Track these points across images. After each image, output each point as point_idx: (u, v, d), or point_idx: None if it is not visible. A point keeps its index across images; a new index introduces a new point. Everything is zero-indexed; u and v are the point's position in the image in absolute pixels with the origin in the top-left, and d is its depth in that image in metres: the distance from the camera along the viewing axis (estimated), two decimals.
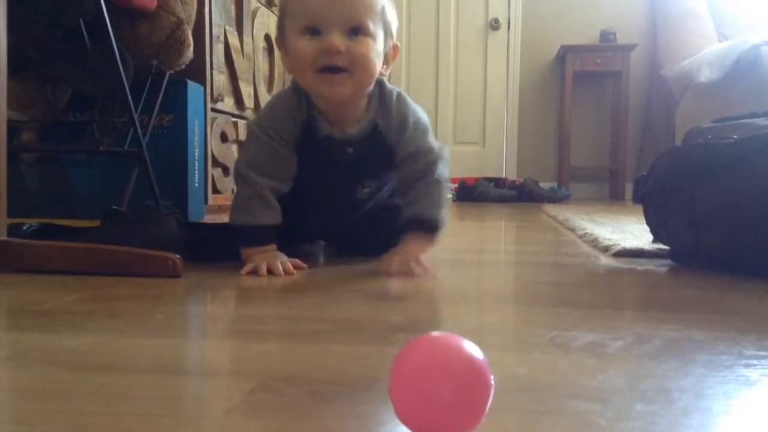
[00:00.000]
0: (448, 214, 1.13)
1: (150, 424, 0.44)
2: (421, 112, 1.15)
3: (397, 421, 0.40)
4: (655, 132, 4.27)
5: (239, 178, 1.12)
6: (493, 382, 0.40)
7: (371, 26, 1.02)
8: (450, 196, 3.55)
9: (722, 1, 3.90)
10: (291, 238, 1.18)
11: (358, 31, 1.01)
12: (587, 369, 0.57)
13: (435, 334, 0.42)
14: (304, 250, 1.28)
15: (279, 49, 1.14)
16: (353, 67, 1.01)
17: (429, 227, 1.11)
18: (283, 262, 1.06)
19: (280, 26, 1.10)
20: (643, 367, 0.58)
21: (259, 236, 1.09)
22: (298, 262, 1.09)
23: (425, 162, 1.11)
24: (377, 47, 1.04)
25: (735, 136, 1.15)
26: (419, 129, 1.12)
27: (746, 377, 0.55)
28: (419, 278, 1.02)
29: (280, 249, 1.11)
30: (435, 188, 1.12)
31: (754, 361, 0.59)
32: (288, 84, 1.18)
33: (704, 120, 1.40)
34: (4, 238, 1.07)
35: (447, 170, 1.14)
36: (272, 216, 1.10)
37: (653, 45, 4.23)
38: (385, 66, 1.09)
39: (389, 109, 1.11)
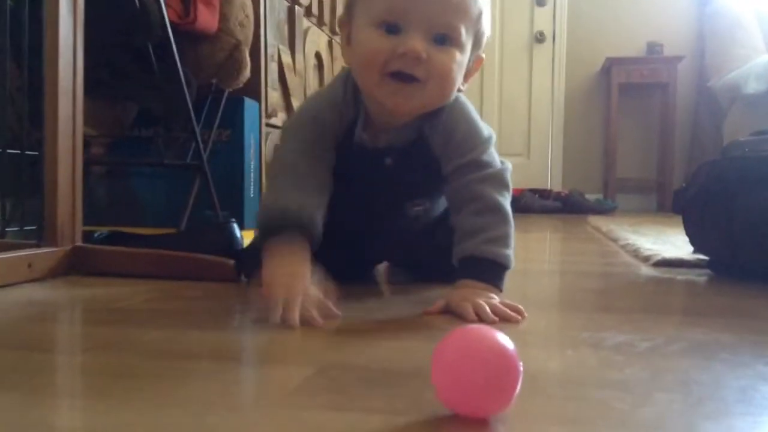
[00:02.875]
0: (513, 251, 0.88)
1: (223, 399, 0.51)
2: (480, 123, 0.93)
3: (438, 401, 0.46)
4: (703, 144, 4.22)
5: (272, 169, 0.93)
6: (521, 368, 0.46)
7: (463, 35, 0.82)
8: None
9: None
10: (338, 265, 0.94)
11: (445, 39, 0.81)
12: (615, 364, 0.62)
13: (471, 326, 0.48)
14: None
15: (340, 33, 0.92)
16: (429, 79, 0.81)
17: (489, 271, 0.85)
18: (305, 307, 0.76)
19: (349, 6, 0.88)
20: (667, 363, 0.63)
21: (285, 229, 0.83)
22: (330, 309, 0.78)
23: (478, 177, 0.89)
24: (463, 60, 0.84)
25: None
26: (471, 139, 0.90)
27: (764, 373, 0.59)
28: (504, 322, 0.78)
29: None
30: (492, 215, 0.87)
31: None
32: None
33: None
34: (80, 244, 1.17)
35: (509, 197, 0.90)
36: (310, 204, 0.86)
37: (701, 57, 4.20)
38: (463, 82, 0.89)
39: (439, 114, 0.90)
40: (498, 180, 0.89)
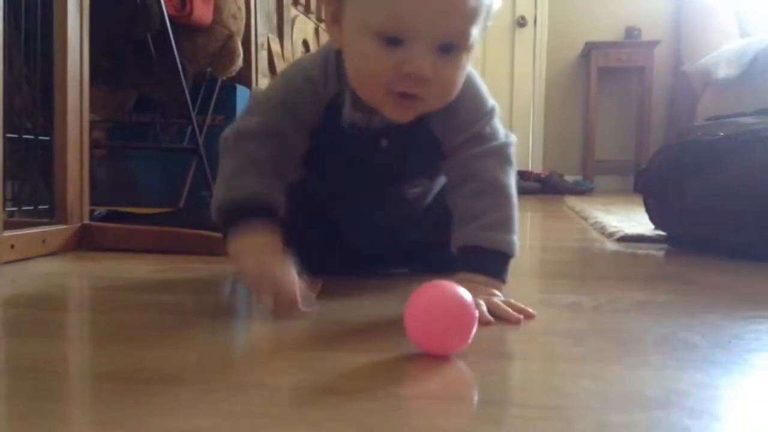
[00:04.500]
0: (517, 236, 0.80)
1: (231, 345, 0.62)
2: (483, 92, 0.84)
3: (410, 343, 0.58)
4: (679, 127, 4.35)
5: (225, 150, 0.81)
6: (476, 315, 0.57)
7: (472, 36, 0.71)
8: None
9: None
10: (330, 261, 0.89)
11: (452, 47, 0.71)
12: (562, 318, 0.74)
13: (435, 281, 0.59)
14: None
15: (324, 9, 0.79)
16: (432, 95, 0.73)
17: (490, 262, 0.78)
18: (287, 282, 0.71)
19: None
20: (606, 318, 0.74)
21: (249, 215, 0.75)
22: (310, 299, 0.72)
23: (478, 152, 0.81)
24: (468, 60, 0.74)
25: (721, 133, 1.29)
26: (474, 113, 0.82)
27: (685, 324, 0.71)
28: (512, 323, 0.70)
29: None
30: (493, 196, 0.80)
31: (699, 314, 0.75)
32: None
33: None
34: (88, 222, 1.26)
35: (512, 172, 0.83)
36: (271, 189, 0.78)
37: (677, 41, 4.32)
38: None
39: None
40: (500, 154, 0.82)
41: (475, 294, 0.68)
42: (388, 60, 0.69)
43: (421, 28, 0.68)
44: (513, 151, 0.83)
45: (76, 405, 0.49)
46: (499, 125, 0.84)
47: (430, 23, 0.68)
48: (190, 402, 0.47)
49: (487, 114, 0.83)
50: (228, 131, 0.82)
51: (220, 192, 0.79)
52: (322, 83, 0.81)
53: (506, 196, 0.80)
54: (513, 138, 0.84)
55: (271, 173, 0.79)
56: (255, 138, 0.80)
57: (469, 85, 0.81)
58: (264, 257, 0.72)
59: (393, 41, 0.69)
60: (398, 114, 0.75)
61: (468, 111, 0.81)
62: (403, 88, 0.71)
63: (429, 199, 0.94)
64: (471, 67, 0.81)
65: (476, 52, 0.75)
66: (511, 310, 0.72)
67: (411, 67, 0.69)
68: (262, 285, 0.71)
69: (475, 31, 0.71)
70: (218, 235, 1.22)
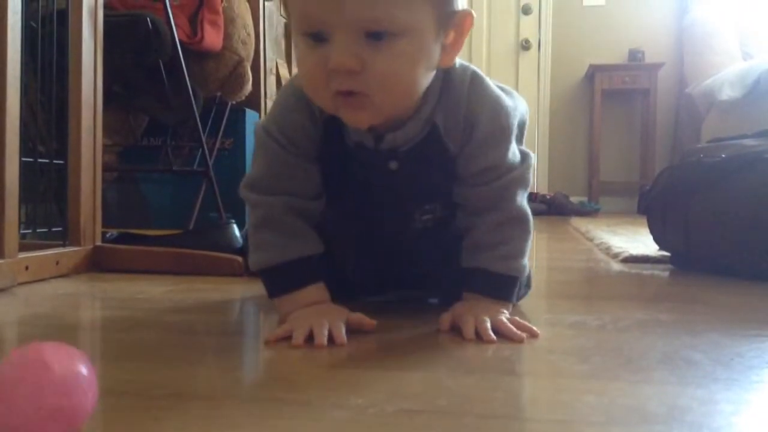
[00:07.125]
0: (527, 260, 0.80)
1: (244, 360, 0.63)
2: (507, 101, 0.77)
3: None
4: (683, 148, 4.37)
5: (246, 203, 0.81)
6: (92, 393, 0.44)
7: (402, 19, 0.64)
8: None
9: (748, 21, 4.01)
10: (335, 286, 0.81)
11: (380, 33, 0.64)
12: (566, 337, 0.75)
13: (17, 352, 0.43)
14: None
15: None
16: (372, 89, 0.66)
17: (501, 286, 0.78)
18: (332, 322, 0.71)
19: (286, 8, 0.75)
20: (610, 336, 0.76)
21: (286, 278, 0.76)
22: (362, 318, 0.74)
23: (500, 184, 0.77)
24: (416, 48, 0.66)
25: (723, 155, 1.31)
26: (496, 133, 0.76)
27: (687, 342, 0.72)
28: (516, 341, 0.71)
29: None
30: (514, 228, 0.78)
31: (701, 333, 0.77)
32: None
33: None
34: (100, 243, 1.29)
35: (525, 196, 0.80)
36: (299, 245, 0.77)
37: (680, 63, 4.35)
38: (445, 58, 0.71)
39: (457, 101, 0.75)
40: (522, 180, 0.79)
41: (481, 310, 0.75)
42: (316, 58, 0.65)
43: (334, 19, 0.63)
44: (531, 173, 0.80)
45: (91, 420, 0.50)
46: (515, 147, 0.78)
47: (343, 14, 0.63)
48: (202, 417, 0.48)
49: (507, 133, 0.76)
50: (243, 182, 0.80)
51: (251, 257, 0.79)
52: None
53: (526, 226, 0.79)
54: (532, 158, 0.80)
55: (292, 220, 0.77)
56: (264, 186, 0.78)
57: (488, 99, 0.76)
58: (305, 315, 0.72)
59: (317, 38, 0.65)
60: (351, 116, 0.70)
61: (489, 130, 0.75)
62: (336, 85, 0.66)
63: (442, 233, 0.86)
64: (482, 74, 0.77)
65: (428, 41, 0.67)
66: (514, 329, 0.73)
67: (333, 62, 0.64)
68: (298, 335, 0.69)
69: (410, 14, 0.64)
70: (228, 256, 1.25)
